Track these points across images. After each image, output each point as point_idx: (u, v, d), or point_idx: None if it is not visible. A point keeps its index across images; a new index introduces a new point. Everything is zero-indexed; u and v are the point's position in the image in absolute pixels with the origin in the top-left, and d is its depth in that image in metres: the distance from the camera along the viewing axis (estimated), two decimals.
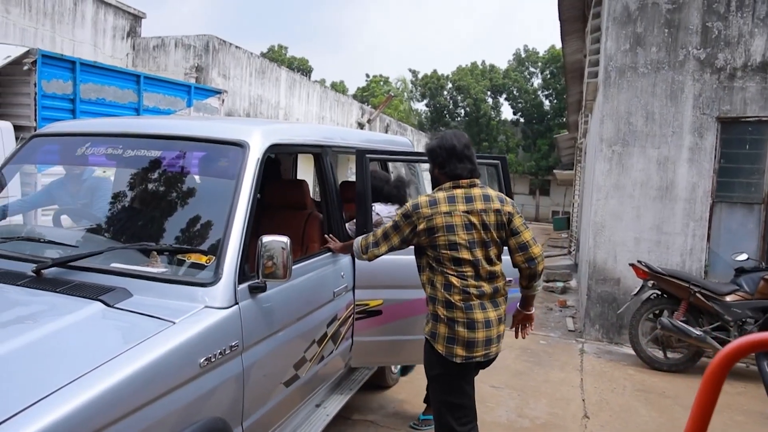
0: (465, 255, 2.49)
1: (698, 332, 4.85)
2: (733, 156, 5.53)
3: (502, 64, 38.67)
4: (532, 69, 37.58)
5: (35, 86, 5.45)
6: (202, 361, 1.89)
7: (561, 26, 9.02)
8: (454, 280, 2.47)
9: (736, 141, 5.52)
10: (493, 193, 2.61)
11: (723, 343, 4.89)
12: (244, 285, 2.15)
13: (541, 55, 37.05)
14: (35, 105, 5.49)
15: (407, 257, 3.32)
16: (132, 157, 2.47)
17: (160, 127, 2.57)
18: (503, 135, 36.79)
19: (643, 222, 5.71)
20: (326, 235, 3.02)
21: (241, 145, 2.37)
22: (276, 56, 36.11)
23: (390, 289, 3.20)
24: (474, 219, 2.51)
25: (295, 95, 14.25)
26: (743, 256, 5.19)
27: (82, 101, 5.79)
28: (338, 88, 34.46)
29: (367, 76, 41.88)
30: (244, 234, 2.19)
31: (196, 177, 2.43)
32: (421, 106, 41.01)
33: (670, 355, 5.13)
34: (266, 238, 2.17)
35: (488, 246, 2.53)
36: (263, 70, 12.83)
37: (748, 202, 5.47)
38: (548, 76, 36.09)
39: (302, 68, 36.67)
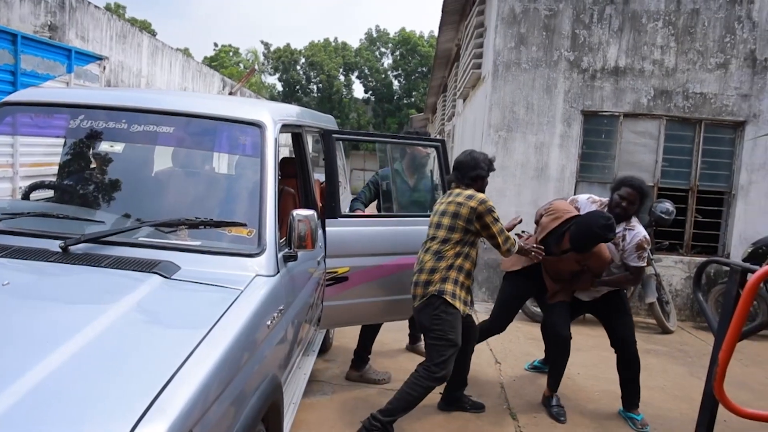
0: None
1: None
2: (592, 143, 6.66)
3: (354, 43, 39.45)
4: (383, 49, 38.82)
5: None
6: (269, 323, 2.10)
7: (442, 17, 9.77)
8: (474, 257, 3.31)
9: (594, 131, 6.65)
10: None
11: None
12: (281, 254, 2.37)
13: (391, 36, 38.39)
14: None
15: (373, 228, 3.70)
16: (140, 133, 2.48)
17: (166, 102, 2.58)
18: (355, 113, 37.69)
19: (522, 198, 6.63)
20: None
21: (258, 125, 2.52)
22: None
23: (356, 257, 3.54)
24: None
25: (157, 63, 13.38)
26: None
27: None
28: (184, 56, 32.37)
29: (216, 45, 39.99)
30: (275, 208, 2.39)
31: (217, 154, 2.54)
32: (273, 80, 40.26)
33: None
34: (297, 212, 2.40)
35: None
36: (124, 35, 11.87)
37: (603, 181, 6.64)
38: (398, 57, 37.58)
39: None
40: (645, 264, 3.69)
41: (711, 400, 2.28)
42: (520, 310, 5.99)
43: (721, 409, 2.20)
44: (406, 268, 3.62)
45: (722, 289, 6.45)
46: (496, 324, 4.14)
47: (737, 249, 6.57)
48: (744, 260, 6.07)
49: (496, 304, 4.19)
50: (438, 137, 6.74)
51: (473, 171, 3.35)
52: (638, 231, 3.65)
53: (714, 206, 6.74)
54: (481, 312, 6.40)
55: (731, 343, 1.66)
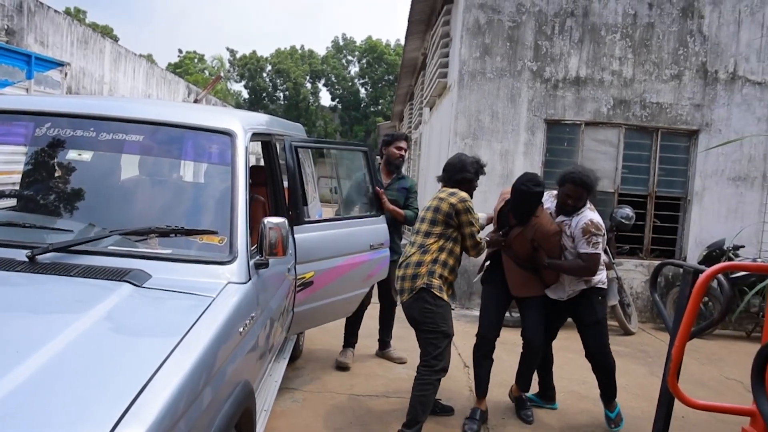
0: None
1: None
2: (555, 151, 6.85)
3: (321, 51, 39.45)
4: (349, 57, 38.93)
5: None
6: (241, 330, 2.12)
7: (408, 26, 9.90)
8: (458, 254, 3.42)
9: (557, 139, 6.84)
10: None
11: None
12: (252, 262, 2.39)
13: (358, 44, 38.54)
14: None
15: (334, 231, 3.77)
16: (111, 141, 2.47)
17: (136, 111, 2.58)
18: (322, 120, 37.64)
19: (488, 205, 6.73)
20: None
21: (229, 134, 2.54)
22: None
23: (319, 261, 3.60)
24: None
25: (120, 70, 13.15)
26: None
27: None
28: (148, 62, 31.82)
29: (180, 51, 39.41)
30: (246, 216, 2.41)
31: (187, 162, 2.54)
32: (239, 87, 39.94)
33: (514, 314, 6.24)
34: (268, 220, 2.43)
35: None
36: (86, 40, 11.63)
37: None
38: (365, 65, 37.73)
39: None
40: (596, 251, 3.45)
41: (667, 395, 2.40)
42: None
43: (681, 405, 2.32)
44: (358, 266, 3.89)
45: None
46: (486, 326, 3.90)
47: (693, 252, 6.84)
48: (700, 263, 6.33)
49: (481, 307, 4.07)
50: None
51: (459, 174, 3.48)
52: (584, 215, 3.49)
53: (671, 211, 7.00)
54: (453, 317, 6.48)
55: (683, 338, 1.76)
